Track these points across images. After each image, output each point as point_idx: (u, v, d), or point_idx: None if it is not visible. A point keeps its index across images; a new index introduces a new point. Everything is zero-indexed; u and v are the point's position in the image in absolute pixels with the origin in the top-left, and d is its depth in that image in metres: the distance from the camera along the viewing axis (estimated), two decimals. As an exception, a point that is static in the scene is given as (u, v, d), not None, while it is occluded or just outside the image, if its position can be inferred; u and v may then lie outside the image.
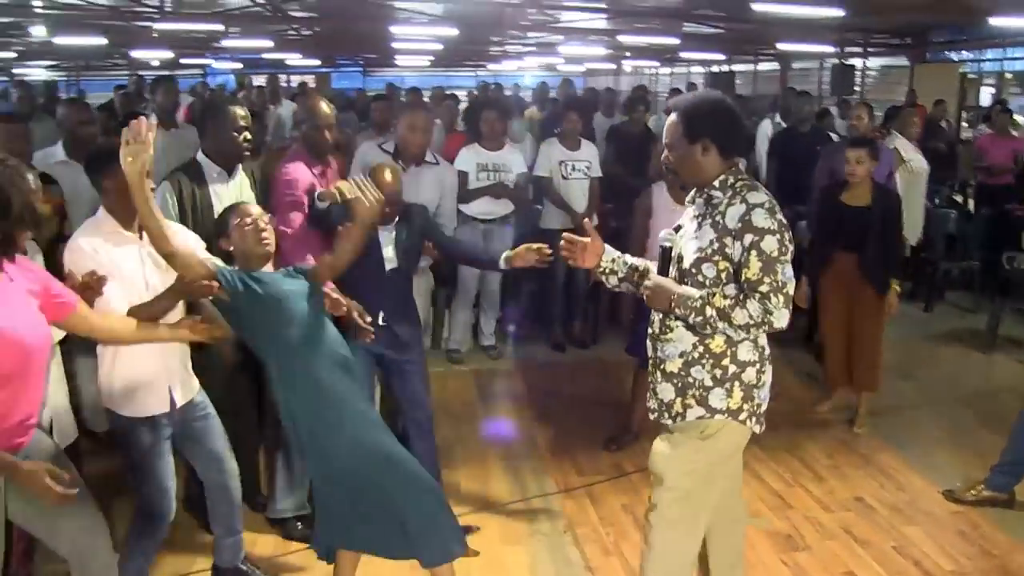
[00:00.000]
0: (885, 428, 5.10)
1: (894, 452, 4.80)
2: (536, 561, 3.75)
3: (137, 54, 18.73)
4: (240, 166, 3.76)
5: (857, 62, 14.63)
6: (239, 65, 22.80)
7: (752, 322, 2.51)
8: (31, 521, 2.66)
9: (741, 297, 2.52)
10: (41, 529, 2.70)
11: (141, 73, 13.91)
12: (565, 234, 2.87)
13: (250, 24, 15.58)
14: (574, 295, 6.45)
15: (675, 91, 11.02)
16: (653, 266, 2.84)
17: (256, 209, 3.08)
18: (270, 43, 16.10)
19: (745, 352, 2.64)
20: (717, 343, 2.63)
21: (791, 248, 2.56)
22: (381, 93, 9.88)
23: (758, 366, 2.67)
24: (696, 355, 2.65)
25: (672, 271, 2.75)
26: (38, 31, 14.64)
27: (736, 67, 18.96)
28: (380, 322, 3.66)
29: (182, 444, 3.21)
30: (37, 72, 21.72)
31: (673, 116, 2.71)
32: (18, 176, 2.35)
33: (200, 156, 3.68)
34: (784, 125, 7.77)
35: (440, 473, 3.99)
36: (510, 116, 6.45)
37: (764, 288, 2.50)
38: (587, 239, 2.84)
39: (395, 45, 17.37)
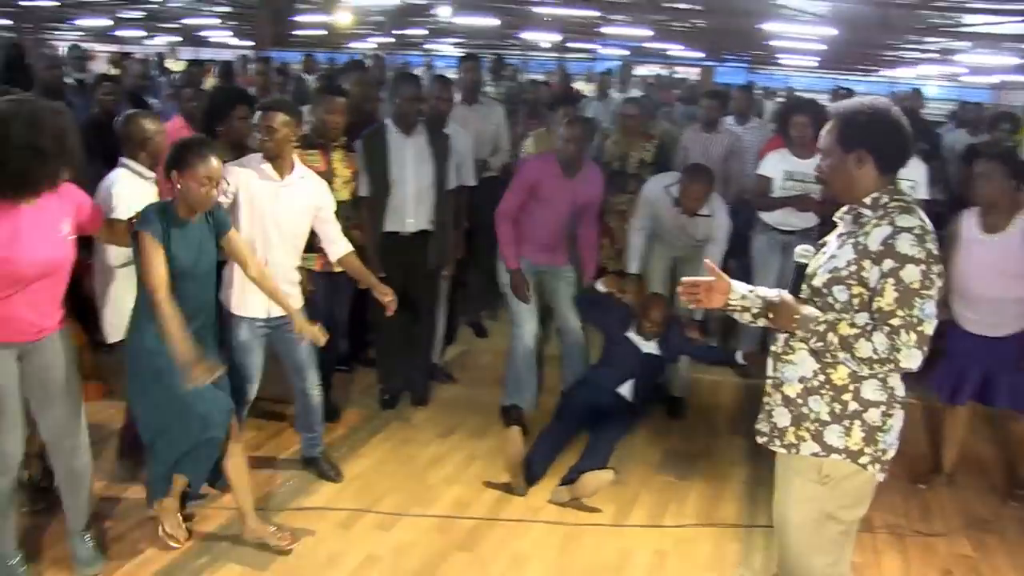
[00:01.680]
0: None
1: None
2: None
3: (527, 35, 19.87)
4: (422, 126, 4.69)
5: None
6: (626, 52, 23.41)
7: (876, 357, 2.24)
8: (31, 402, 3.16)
9: (868, 328, 2.26)
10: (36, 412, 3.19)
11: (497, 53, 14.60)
12: (684, 279, 2.64)
13: (633, 13, 15.87)
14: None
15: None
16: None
17: (218, 169, 3.25)
18: (650, 32, 16.32)
19: (870, 391, 2.39)
20: (840, 375, 2.38)
21: (938, 283, 2.27)
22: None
23: (884, 408, 2.40)
24: (816, 383, 2.42)
25: (804, 290, 2.50)
26: (443, 11, 16.12)
27: None
28: (627, 395, 4.52)
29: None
30: (446, 48, 23.93)
31: (830, 121, 2.48)
32: (30, 118, 2.78)
33: (388, 120, 4.66)
34: None
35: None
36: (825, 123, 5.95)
37: (896, 322, 2.24)
38: (710, 279, 2.59)
39: (778, 44, 16.84)
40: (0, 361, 2.98)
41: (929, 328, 2.26)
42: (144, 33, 22.89)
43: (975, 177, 4.05)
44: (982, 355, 4.14)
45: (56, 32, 21.07)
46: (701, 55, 21.71)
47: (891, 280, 2.25)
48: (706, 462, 4.63)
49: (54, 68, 5.70)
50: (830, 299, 2.39)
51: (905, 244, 2.26)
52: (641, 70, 23.53)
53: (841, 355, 2.31)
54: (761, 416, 2.61)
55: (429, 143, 4.69)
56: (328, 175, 4.29)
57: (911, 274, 2.24)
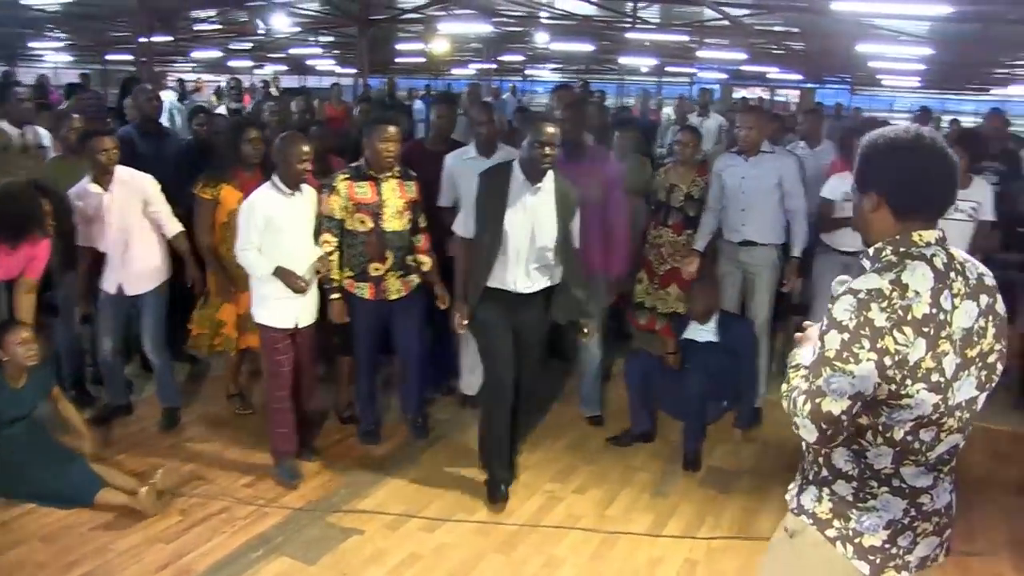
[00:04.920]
0: None
1: None
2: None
3: (624, 60, 20.02)
4: (552, 175, 4.13)
5: None
6: (723, 76, 23.32)
7: (789, 416, 1.97)
8: None
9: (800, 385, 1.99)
10: None
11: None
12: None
13: (726, 36, 15.86)
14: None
15: None
16: None
17: (27, 332, 4.15)
18: (744, 56, 16.30)
19: (839, 459, 2.06)
20: None
21: (869, 361, 1.86)
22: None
23: (855, 484, 2.05)
24: None
25: None
26: (541, 37, 16.46)
27: None
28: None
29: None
30: (543, 74, 24.33)
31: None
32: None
33: (515, 164, 4.15)
34: None
35: None
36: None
37: (804, 386, 1.93)
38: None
39: (878, 64, 16.56)
40: None
41: (830, 405, 1.88)
42: (252, 63, 24.08)
43: None
44: None
45: (174, 64, 22.34)
46: (798, 77, 21.45)
47: (818, 344, 1.95)
48: (749, 478, 4.67)
49: (152, 100, 6.22)
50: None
51: (839, 308, 1.91)
52: (741, 92, 23.36)
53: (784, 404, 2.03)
54: None
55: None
56: (378, 206, 4.43)
57: (831, 341, 1.90)
